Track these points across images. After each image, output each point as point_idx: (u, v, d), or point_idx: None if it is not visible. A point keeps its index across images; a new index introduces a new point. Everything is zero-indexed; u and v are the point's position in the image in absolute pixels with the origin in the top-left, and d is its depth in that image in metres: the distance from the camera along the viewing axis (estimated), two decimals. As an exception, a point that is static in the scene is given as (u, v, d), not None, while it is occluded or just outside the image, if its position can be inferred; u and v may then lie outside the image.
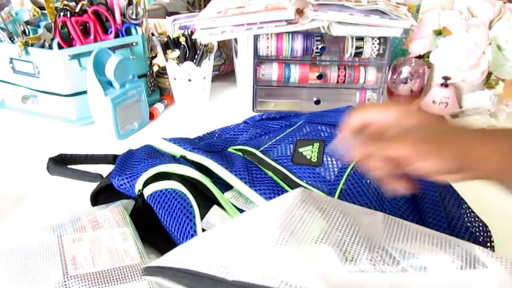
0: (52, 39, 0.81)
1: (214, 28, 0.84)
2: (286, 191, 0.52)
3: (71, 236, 0.46)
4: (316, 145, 0.58)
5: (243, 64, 0.89)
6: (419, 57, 0.95)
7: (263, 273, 0.27)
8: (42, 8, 0.86)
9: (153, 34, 0.91)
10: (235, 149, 0.62)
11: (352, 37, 0.84)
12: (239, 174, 0.53)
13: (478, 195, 0.51)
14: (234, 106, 0.97)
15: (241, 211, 0.50)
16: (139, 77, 0.89)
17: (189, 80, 0.90)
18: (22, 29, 0.82)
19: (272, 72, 0.88)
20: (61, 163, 0.63)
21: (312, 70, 0.88)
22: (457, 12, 0.86)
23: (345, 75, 0.88)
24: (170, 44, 0.90)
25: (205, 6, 1.10)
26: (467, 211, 0.50)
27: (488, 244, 0.48)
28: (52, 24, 0.83)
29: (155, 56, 0.99)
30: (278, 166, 0.55)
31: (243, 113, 0.89)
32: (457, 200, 0.52)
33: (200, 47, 0.88)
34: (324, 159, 0.55)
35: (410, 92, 0.94)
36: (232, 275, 0.28)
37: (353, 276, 0.27)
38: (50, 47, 0.81)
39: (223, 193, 0.52)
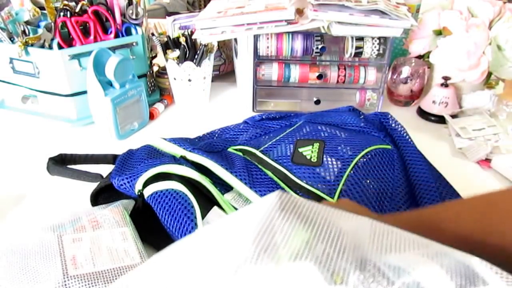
0: (52, 39, 0.81)
1: (214, 28, 0.84)
2: (286, 191, 0.52)
3: (71, 236, 0.46)
4: (316, 145, 0.58)
5: (243, 64, 0.89)
6: (419, 57, 0.95)
7: None
8: (42, 8, 0.86)
9: (153, 34, 0.91)
10: (235, 149, 0.62)
11: (352, 37, 0.84)
12: (239, 175, 0.53)
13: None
14: (234, 106, 0.97)
15: (241, 211, 0.50)
16: (139, 77, 0.89)
17: (189, 80, 0.90)
18: (22, 29, 0.82)
19: (272, 72, 0.88)
20: (61, 163, 0.63)
21: (312, 70, 0.88)
22: (457, 12, 0.86)
23: (345, 75, 0.88)
24: (170, 44, 0.90)
25: (205, 6, 1.10)
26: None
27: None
28: (52, 24, 0.83)
29: (155, 56, 0.99)
30: (278, 166, 0.55)
31: (243, 113, 0.89)
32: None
33: (200, 47, 0.88)
34: (324, 159, 0.55)
35: (410, 92, 0.95)
36: None
37: None
38: (50, 47, 0.81)
39: (223, 194, 0.52)
